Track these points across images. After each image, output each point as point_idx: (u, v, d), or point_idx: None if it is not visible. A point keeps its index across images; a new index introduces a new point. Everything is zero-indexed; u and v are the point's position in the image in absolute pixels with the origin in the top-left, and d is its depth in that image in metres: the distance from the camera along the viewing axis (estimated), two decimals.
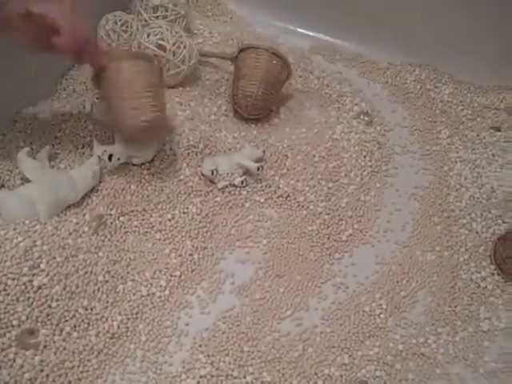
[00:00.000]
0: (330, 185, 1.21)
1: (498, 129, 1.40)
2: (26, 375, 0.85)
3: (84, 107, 1.19)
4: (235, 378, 0.91)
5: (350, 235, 1.15)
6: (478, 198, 1.25)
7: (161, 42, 1.27)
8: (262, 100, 1.29)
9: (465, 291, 1.09)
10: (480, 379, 0.98)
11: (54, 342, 0.89)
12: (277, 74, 1.31)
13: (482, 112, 1.45)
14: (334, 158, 1.26)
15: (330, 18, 1.57)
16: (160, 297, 0.99)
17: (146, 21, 1.35)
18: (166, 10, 1.37)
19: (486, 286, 1.11)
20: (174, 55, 1.27)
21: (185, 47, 1.28)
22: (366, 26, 1.54)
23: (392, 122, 1.39)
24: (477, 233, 1.18)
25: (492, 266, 1.14)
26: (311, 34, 1.59)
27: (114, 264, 1.00)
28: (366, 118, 1.38)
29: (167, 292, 1.00)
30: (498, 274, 1.12)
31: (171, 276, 1.02)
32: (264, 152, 1.22)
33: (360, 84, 1.49)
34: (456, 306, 1.07)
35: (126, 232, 1.06)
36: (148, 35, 1.27)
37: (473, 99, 1.47)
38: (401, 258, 1.13)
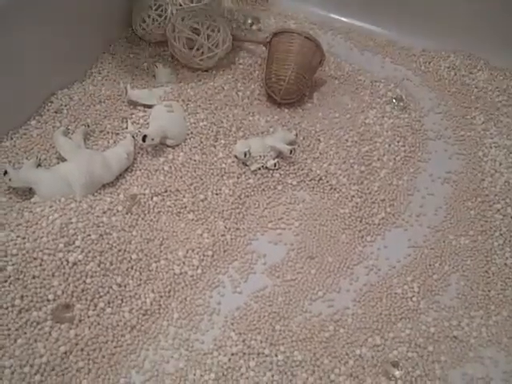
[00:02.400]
0: (363, 168, 1.21)
1: None
2: (62, 348, 0.86)
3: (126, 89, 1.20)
4: (266, 356, 0.91)
5: (383, 218, 1.14)
6: None
7: (195, 25, 1.27)
8: (294, 84, 1.30)
9: (499, 276, 1.08)
10: None
11: (89, 316, 0.91)
12: (310, 59, 1.31)
13: None
14: (366, 142, 1.26)
15: (365, 4, 1.56)
16: (192, 276, 1.00)
17: (180, 5, 1.36)
18: None
19: None
20: (208, 39, 1.28)
21: (218, 31, 1.29)
22: (400, 12, 1.53)
23: (426, 108, 1.38)
24: (511, 218, 1.17)
25: None
26: (345, 19, 1.59)
27: (148, 243, 1.01)
28: (400, 104, 1.37)
29: (199, 271, 1.01)
30: None
31: (203, 255, 1.02)
32: (297, 135, 1.22)
33: (393, 70, 1.48)
34: (490, 291, 1.05)
35: (159, 212, 1.06)
36: (182, 19, 1.28)
37: (509, 85, 1.45)
38: (433, 241, 1.12)
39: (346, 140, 1.25)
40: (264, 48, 1.37)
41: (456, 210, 1.18)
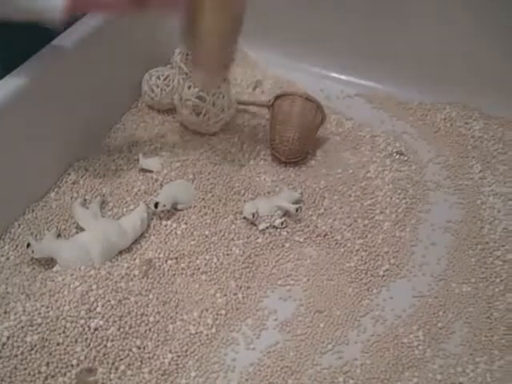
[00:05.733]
0: (366, 222, 1.26)
1: None
2: None
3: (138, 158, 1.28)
4: None
5: (387, 270, 1.19)
6: (511, 230, 1.28)
7: (201, 93, 1.35)
8: (298, 144, 1.36)
9: (501, 321, 1.12)
10: None
11: (111, 379, 0.96)
12: (311, 119, 1.38)
13: None
14: (369, 196, 1.32)
15: (361, 62, 1.64)
16: (207, 335, 1.05)
17: (186, 74, 1.44)
18: None
19: None
20: (213, 105, 1.35)
21: (223, 97, 1.37)
22: (396, 68, 1.61)
23: (425, 160, 1.44)
24: None
25: None
26: (343, 78, 1.67)
27: (164, 305, 1.06)
28: (399, 157, 1.43)
29: (214, 330, 1.06)
30: None
31: (217, 315, 1.08)
32: (302, 194, 1.28)
33: (392, 124, 1.55)
34: (493, 336, 1.09)
35: (174, 274, 1.12)
36: (189, 87, 1.36)
37: (504, 133, 1.51)
38: (437, 290, 1.17)
39: (350, 195, 1.31)
40: (267, 110, 1.44)
41: (457, 258, 1.23)
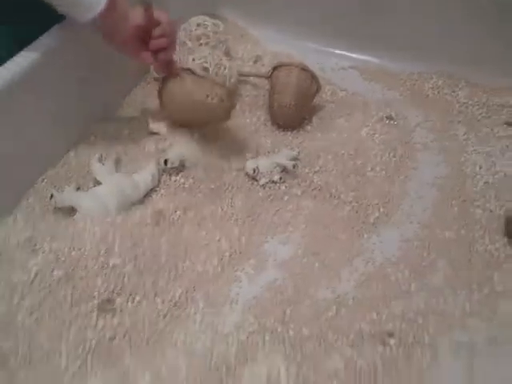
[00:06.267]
0: (358, 178, 1.38)
1: (511, 124, 1.55)
2: (107, 334, 1.03)
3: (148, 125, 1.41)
4: (279, 332, 1.06)
5: (377, 218, 1.30)
6: (491, 183, 1.39)
7: (204, 64, 1.47)
8: (295, 110, 1.48)
9: (480, 260, 1.22)
10: (494, 329, 1.11)
11: (128, 308, 1.07)
12: (307, 87, 1.50)
13: (497, 110, 1.60)
14: (361, 155, 1.43)
15: (355, 38, 1.77)
16: (213, 273, 1.15)
17: (190, 48, 1.56)
18: (208, 38, 1.57)
19: (499, 255, 1.24)
20: (216, 75, 1.47)
21: (225, 68, 1.48)
22: (388, 41, 1.73)
23: (412, 124, 1.56)
24: (490, 211, 1.32)
25: (505, 239, 1.27)
26: (337, 52, 1.80)
27: (174, 248, 1.17)
28: (389, 121, 1.55)
29: (219, 269, 1.17)
30: (510, 245, 1.26)
31: (222, 256, 1.18)
32: (299, 153, 1.40)
33: (382, 93, 1.67)
34: (472, 272, 1.20)
35: (183, 223, 1.23)
36: (193, 60, 1.47)
37: (488, 98, 1.63)
38: (422, 236, 1.27)
39: (343, 155, 1.43)
40: (267, 81, 1.56)
41: (442, 209, 1.34)
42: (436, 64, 1.70)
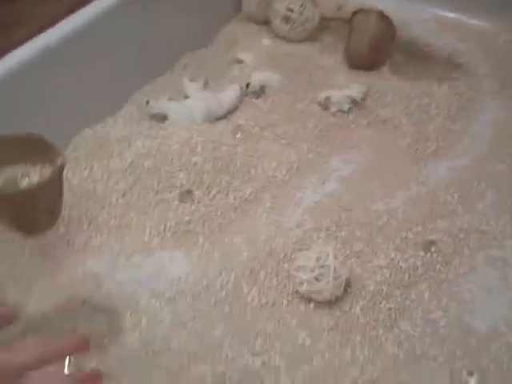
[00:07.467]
0: (422, 115, 1.49)
1: None
2: (186, 218, 1.20)
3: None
4: (333, 231, 1.21)
5: (435, 150, 1.42)
6: None
7: (290, 5, 1.62)
8: (370, 53, 1.61)
9: None
10: None
11: (204, 199, 1.24)
12: (383, 32, 1.62)
13: None
14: (427, 96, 1.55)
15: None
16: (282, 179, 1.31)
17: None
18: None
19: None
20: (300, 15, 1.62)
21: (308, 10, 1.64)
22: None
23: (481, 73, 1.66)
24: None
25: None
26: (418, 5, 1.90)
27: (249, 156, 1.34)
28: (459, 71, 1.66)
29: (287, 177, 1.32)
30: None
31: (291, 167, 1.34)
32: (368, 89, 1.53)
33: (456, 45, 1.77)
34: None
35: (259, 138, 1.39)
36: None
37: None
38: (475, 167, 1.38)
39: (409, 95, 1.54)
40: (346, 25, 1.70)
41: (498, 146, 1.44)
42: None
